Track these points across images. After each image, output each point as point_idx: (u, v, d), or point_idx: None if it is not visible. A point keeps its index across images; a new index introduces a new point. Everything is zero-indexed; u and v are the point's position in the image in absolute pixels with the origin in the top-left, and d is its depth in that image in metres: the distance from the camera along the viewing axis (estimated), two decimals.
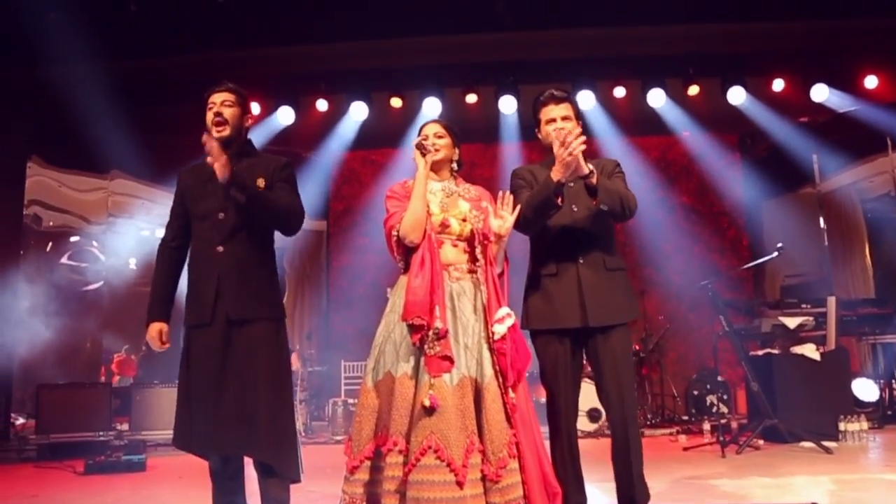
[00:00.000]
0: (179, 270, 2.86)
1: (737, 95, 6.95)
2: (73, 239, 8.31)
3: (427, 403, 2.40)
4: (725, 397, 6.97)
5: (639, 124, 7.71)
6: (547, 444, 2.73)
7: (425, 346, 2.48)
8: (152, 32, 6.37)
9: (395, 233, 2.69)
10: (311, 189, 8.08)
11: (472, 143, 7.76)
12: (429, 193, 2.75)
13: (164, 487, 4.39)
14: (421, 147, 2.72)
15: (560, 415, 2.78)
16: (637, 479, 2.69)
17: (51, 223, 8.09)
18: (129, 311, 8.11)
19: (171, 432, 2.71)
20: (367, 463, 2.53)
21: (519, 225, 2.74)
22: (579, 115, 2.91)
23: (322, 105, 7.21)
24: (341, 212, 8.89)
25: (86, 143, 6.66)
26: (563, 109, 2.85)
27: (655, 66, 7.02)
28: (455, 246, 2.71)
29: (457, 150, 2.88)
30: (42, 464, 5.38)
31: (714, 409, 6.81)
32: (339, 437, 6.43)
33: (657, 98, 7.03)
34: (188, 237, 2.82)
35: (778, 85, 6.94)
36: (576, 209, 2.81)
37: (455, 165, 2.89)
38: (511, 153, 7.93)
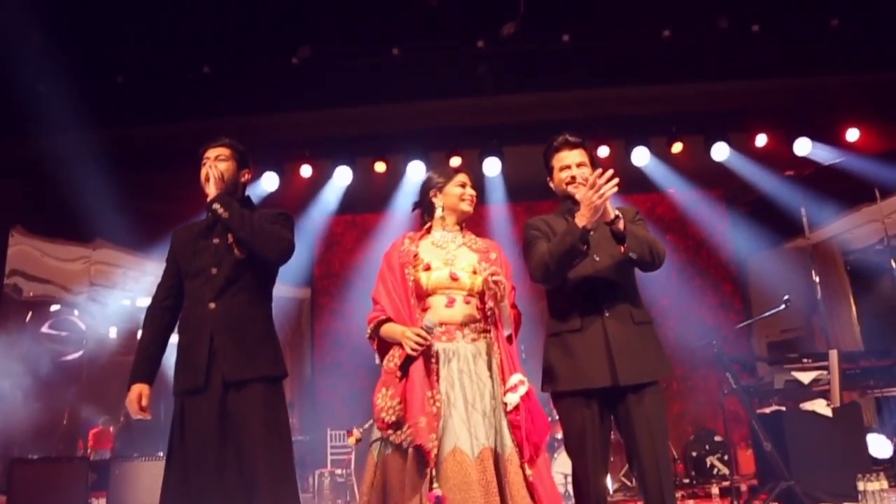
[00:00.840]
0: (169, 332, 2.68)
1: (720, 151, 6.97)
2: (53, 308, 8.14)
3: None
4: (725, 458, 6.75)
5: (624, 183, 7.60)
6: None
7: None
8: (139, 102, 6.41)
9: (369, 329, 2.56)
10: (295, 255, 7.89)
11: None
12: (433, 246, 2.61)
13: None
14: (422, 339, 2.41)
15: (589, 487, 2.52)
16: None
17: (31, 294, 7.92)
18: (108, 382, 7.85)
19: None
20: None
21: (539, 277, 2.58)
22: (594, 162, 2.76)
23: (306, 171, 7.13)
24: (325, 277, 8.69)
25: (70, 212, 6.58)
26: (577, 155, 2.73)
27: (638, 125, 7.05)
28: (467, 303, 2.53)
29: None
30: None
31: (715, 471, 6.58)
32: None
33: (641, 156, 7.03)
34: (180, 297, 2.66)
35: (761, 140, 6.99)
36: (597, 258, 2.63)
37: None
38: (497, 214, 7.93)
